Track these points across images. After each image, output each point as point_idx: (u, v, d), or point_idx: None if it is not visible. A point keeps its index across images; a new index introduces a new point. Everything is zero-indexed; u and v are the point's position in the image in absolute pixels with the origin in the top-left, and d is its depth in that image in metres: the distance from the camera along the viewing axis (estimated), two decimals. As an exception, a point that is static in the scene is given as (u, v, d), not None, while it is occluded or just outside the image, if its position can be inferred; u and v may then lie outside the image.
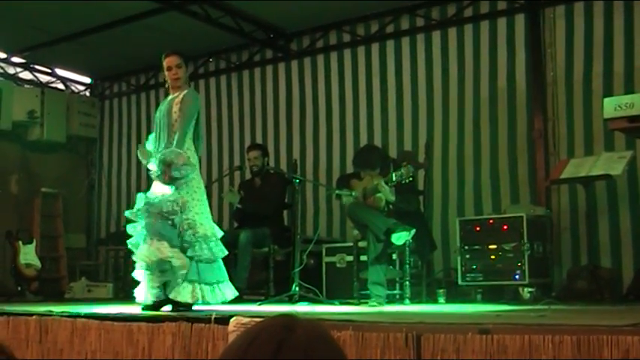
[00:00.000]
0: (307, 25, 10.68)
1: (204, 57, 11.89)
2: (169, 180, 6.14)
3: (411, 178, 7.23)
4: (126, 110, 13.02)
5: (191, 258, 6.07)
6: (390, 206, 7.57)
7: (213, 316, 4.68)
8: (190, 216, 6.14)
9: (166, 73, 6.59)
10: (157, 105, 7.19)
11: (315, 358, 1.50)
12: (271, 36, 10.94)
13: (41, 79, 12.72)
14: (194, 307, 6.07)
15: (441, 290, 8.01)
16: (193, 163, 6.30)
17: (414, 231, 7.22)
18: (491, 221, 8.22)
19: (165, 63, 6.56)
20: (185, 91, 6.49)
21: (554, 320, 4.31)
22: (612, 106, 6.61)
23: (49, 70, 12.77)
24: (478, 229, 8.19)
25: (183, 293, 6.03)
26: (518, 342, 3.44)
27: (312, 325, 1.59)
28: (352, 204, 7.78)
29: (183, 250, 6.07)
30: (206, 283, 6.13)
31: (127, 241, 6.45)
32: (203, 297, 6.09)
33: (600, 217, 8.47)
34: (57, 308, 6.05)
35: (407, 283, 7.50)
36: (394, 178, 7.22)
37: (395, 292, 7.85)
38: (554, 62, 9.02)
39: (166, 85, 6.71)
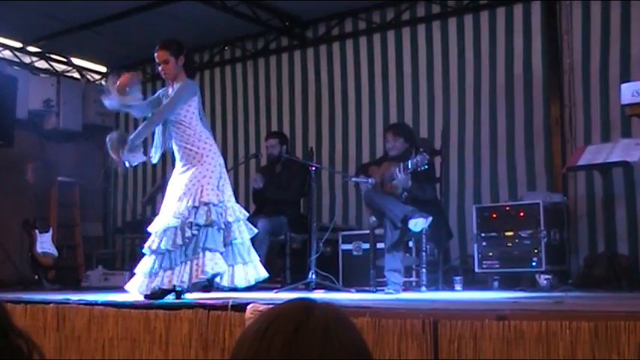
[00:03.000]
0: (323, 12, 10.65)
1: (220, 45, 11.89)
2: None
3: (426, 166, 7.20)
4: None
5: None
6: (405, 193, 7.55)
7: (230, 304, 4.69)
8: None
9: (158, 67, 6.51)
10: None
11: (333, 340, 1.50)
12: (287, 24, 10.93)
13: (57, 68, 12.73)
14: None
15: (458, 277, 7.99)
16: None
17: (430, 218, 7.21)
18: (507, 208, 8.21)
19: (156, 58, 6.44)
20: (182, 82, 6.38)
21: (571, 307, 4.31)
22: (629, 92, 6.57)
23: (64, 59, 12.77)
24: (495, 216, 8.18)
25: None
26: (536, 328, 3.43)
27: (329, 307, 1.59)
28: (369, 191, 7.77)
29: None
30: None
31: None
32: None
33: (617, 204, 8.43)
34: (74, 296, 6.08)
35: (423, 270, 7.49)
36: (410, 166, 7.21)
37: (411, 279, 7.85)
38: (570, 49, 8.98)
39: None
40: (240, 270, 6.15)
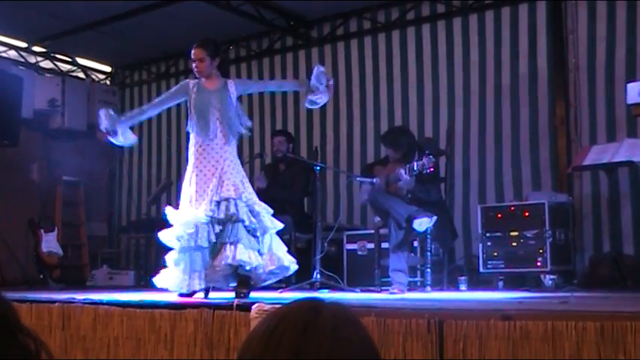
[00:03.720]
0: (328, 12, 10.66)
1: (225, 45, 11.87)
2: None
3: (432, 169, 7.20)
4: (146, 98, 12.99)
5: None
6: (410, 195, 7.55)
7: (235, 303, 4.70)
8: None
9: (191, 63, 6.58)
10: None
11: (341, 339, 1.50)
12: (292, 23, 10.94)
13: (62, 68, 12.76)
14: None
15: (463, 277, 7.99)
16: None
17: (435, 217, 7.20)
18: (512, 208, 8.19)
19: (192, 54, 6.50)
20: (235, 80, 6.67)
21: (576, 307, 4.30)
22: (635, 91, 6.56)
23: (69, 59, 12.80)
24: (499, 216, 8.16)
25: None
26: (542, 328, 3.43)
27: (337, 307, 1.59)
28: (374, 191, 7.76)
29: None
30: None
31: None
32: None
33: (623, 203, 8.42)
34: (79, 296, 6.08)
35: (428, 270, 7.49)
36: (415, 168, 7.20)
37: (416, 279, 7.85)
38: (576, 48, 8.97)
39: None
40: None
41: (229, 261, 5.92)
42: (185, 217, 6.14)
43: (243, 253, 5.94)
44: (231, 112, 6.35)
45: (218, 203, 6.04)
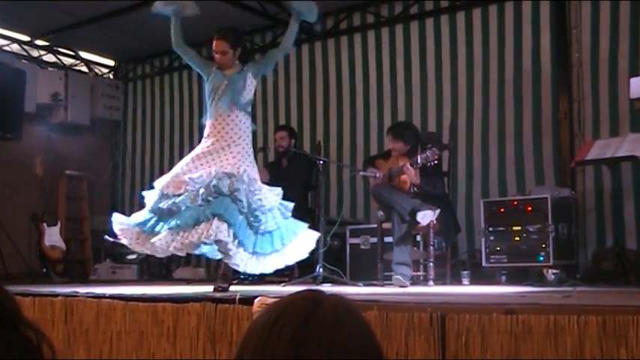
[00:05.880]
0: (331, 6, 10.61)
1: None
2: None
3: (436, 162, 7.21)
4: (150, 92, 13.03)
5: None
6: (415, 189, 7.55)
7: (237, 297, 4.70)
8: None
9: (213, 53, 6.49)
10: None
11: (343, 331, 1.50)
12: (295, 17, 10.91)
13: (65, 62, 12.75)
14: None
15: (465, 272, 7.98)
16: None
17: (438, 211, 7.20)
18: (515, 202, 8.18)
19: (213, 45, 6.46)
20: (249, 64, 6.63)
21: (579, 301, 4.30)
22: (639, 85, 6.56)
23: (72, 53, 12.79)
24: (502, 210, 8.16)
25: None
26: (544, 322, 3.43)
27: (338, 299, 1.59)
28: (377, 185, 7.77)
29: None
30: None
31: None
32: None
33: (626, 198, 8.41)
34: (82, 289, 6.09)
35: (431, 264, 7.48)
36: (419, 161, 7.21)
37: (419, 273, 7.85)
38: (579, 43, 8.95)
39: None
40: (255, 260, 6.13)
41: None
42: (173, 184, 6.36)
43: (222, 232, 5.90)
44: (242, 97, 6.34)
45: (219, 179, 6.00)
